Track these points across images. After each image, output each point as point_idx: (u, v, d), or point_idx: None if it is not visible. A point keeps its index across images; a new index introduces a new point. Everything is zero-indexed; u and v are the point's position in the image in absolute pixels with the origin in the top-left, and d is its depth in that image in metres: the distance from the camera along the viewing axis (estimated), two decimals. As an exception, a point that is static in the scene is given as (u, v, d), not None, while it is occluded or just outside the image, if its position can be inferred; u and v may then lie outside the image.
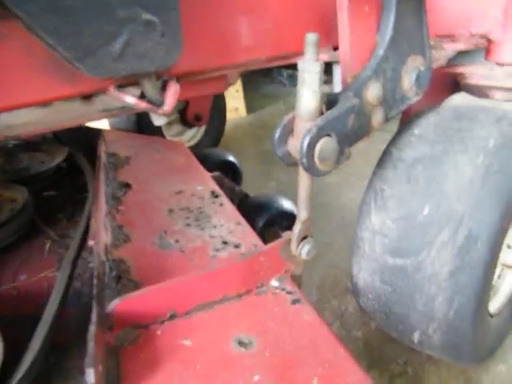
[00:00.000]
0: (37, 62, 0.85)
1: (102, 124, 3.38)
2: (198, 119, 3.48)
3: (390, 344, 1.86)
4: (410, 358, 1.81)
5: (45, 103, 1.00)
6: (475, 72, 1.83)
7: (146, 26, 0.84)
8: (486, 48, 1.82)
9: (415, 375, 1.73)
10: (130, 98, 0.94)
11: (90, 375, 0.84)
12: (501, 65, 1.80)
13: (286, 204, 2.13)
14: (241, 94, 5.53)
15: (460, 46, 1.71)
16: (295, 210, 2.13)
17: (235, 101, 5.45)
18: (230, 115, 5.04)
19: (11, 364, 1.00)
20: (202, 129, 3.82)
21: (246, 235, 1.51)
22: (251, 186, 3.15)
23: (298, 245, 1.24)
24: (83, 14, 0.77)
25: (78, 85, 0.91)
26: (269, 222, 2.05)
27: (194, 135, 3.79)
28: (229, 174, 2.78)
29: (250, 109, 5.67)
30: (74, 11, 0.76)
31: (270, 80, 7.29)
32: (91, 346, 0.90)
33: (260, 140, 4.63)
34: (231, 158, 2.79)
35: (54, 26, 0.75)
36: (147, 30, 0.85)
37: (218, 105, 3.83)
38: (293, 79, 7.09)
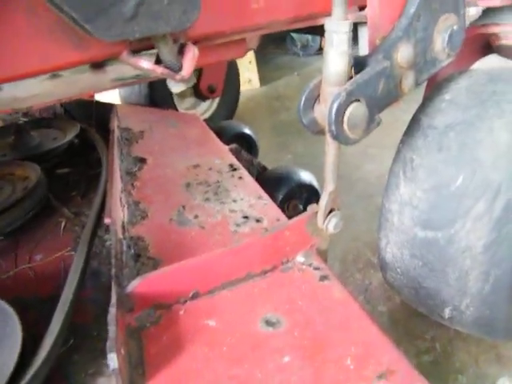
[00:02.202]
0: (42, 27, 0.78)
1: (113, 98, 3.32)
2: (211, 91, 3.40)
3: (416, 319, 1.81)
4: (437, 333, 1.75)
5: (52, 72, 0.93)
6: (510, 31, 1.72)
7: (161, -17, 0.77)
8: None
9: (443, 351, 1.68)
10: (146, 63, 0.87)
11: (113, 360, 0.79)
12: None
13: (306, 176, 2.07)
14: (254, 65, 5.43)
15: (496, 2, 1.59)
16: (315, 183, 2.10)
17: (249, 72, 5.36)
18: (244, 87, 4.96)
19: (31, 348, 0.96)
20: (216, 101, 3.73)
21: (267, 209, 1.45)
22: (268, 159, 3.09)
23: (324, 218, 1.17)
24: (92, -30, 0.70)
25: (87, 50, 0.84)
26: (288, 195, 2.00)
27: (207, 108, 3.71)
28: (245, 147, 2.72)
29: (263, 80, 5.57)
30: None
31: (283, 51, 7.15)
32: (112, 329, 0.85)
33: (275, 112, 4.54)
34: (247, 131, 2.73)
35: (59, -17, 0.68)
36: (162, -14, 0.77)
37: (232, 76, 3.74)
38: (307, 49, 6.95)
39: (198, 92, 3.38)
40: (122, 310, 0.99)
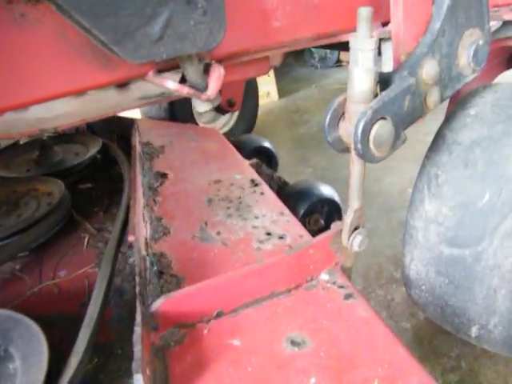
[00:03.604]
0: (70, 48, 0.79)
1: (134, 113, 3.35)
2: (230, 105, 3.40)
3: (440, 336, 1.78)
4: (462, 351, 1.72)
5: (78, 93, 0.93)
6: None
7: (187, 4, 0.77)
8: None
9: (470, 370, 1.64)
10: (172, 84, 0.87)
11: (139, 381, 0.79)
12: None
13: (327, 190, 2.06)
14: (272, 78, 5.44)
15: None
16: (336, 197, 2.08)
17: (267, 85, 5.37)
18: (263, 100, 4.97)
19: (56, 367, 0.96)
20: (235, 115, 3.74)
21: (290, 225, 1.44)
22: (288, 173, 3.09)
23: (349, 236, 1.16)
24: (120, -7, 0.70)
25: (115, 71, 0.85)
26: (310, 209, 1.99)
27: (226, 121, 3.72)
28: (264, 161, 2.72)
29: (282, 93, 5.58)
30: (110, -10, 0.69)
31: (301, 63, 7.16)
32: (138, 349, 0.85)
33: (294, 125, 4.54)
34: (267, 144, 2.73)
35: (88, 6, 0.68)
36: (188, 8, 0.77)
37: (251, 90, 3.75)
38: (325, 62, 6.95)
39: (218, 106, 3.39)
40: (147, 329, 0.98)
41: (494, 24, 1.70)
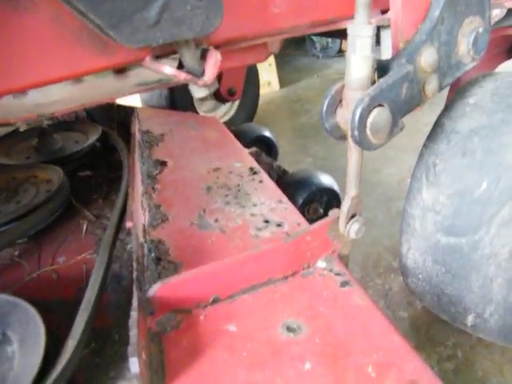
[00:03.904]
0: (67, 33, 0.79)
1: (134, 101, 3.34)
2: (231, 94, 3.39)
3: (437, 325, 1.78)
4: (459, 340, 1.72)
5: (76, 78, 0.93)
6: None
7: (185, -11, 0.77)
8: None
9: (466, 359, 1.65)
10: (169, 69, 0.87)
11: (135, 364, 0.79)
12: None
13: (326, 180, 2.07)
14: (274, 67, 5.42)
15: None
16: (335, 186, 2.08)
17: (268, 74, 5.35)
18: (263, 90, 4.96)
19: (53, 350, 0.97)
20: (236, 104, 3.74)
21: (288, 213, 1.45)
22: (288, 162, 3.09)
23: (346, 223, 1.16)
24: (116, -24, 0.70)
25: (111, 56, 0.84)
26: (309, 198, 1.99)
27: (227, 110, 3.72)
28: (264, 150, 2.72)
29: (283, 83, 5.56)
30: (107, -26, 0.69)
31: (302, 53, 7.13)
32: (134, 333, 0.86)
33: (295, 114, 4.53)
34: (267, 134, 2.73)
35: (84, -11, 0.68)
36: (185, -8, 0.77)
37: (252, 79, 3.74)
38: (326, 51, 6.92)
39: (218, 95, 3.37)
40: (144, 313, 0.99)
41: (498, 13, 1.69)
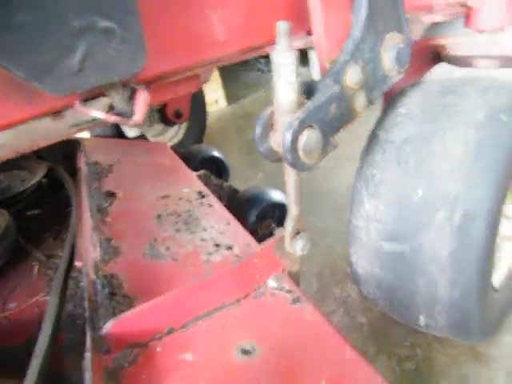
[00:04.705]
0: (-8, 85, 0.79)
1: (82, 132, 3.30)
2: (178, 116, 3.41)
3: (395, 327, 1.83)
4: (416, 339, 1.78)
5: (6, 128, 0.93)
6: (456, 42, 1.78)
7: (105, 35, 0.78)
8: (465, 16, 1.75)
9: (424, 357, 1.70)
10: (98, 113, 0.89)
11: (90, 408, 0.80)
12: (482, 31, 1.73)
13: (277, 195, 2.10)
14: (219, 84, 5.45)
15: (438, 17, 1.65)
16: (286, 200, 2.12)
17: (214, 92, 5.38)
18: (211, 107, 5.00)
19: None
20: (184, 125, 3.75)
21: (237, 235, 1.47)
22: (239, 179, 3.12)
23: (291, 241, 1.19)
24: (34, 29, 0.71)
25: (40, 104, 0.85)
26: (261, 215, 2.02)
27: (175, 133, 3.71)
28: (215, 170, 2.75)
29: (230, 99, 5.60)
30: (25, 27, 0.70)
31: (248, 68, 7.18)
32: (88, 376, 0.86)
33: (243, 130, 4.57)
34: (216, 154, 2.75)
35: (3, 44, 0.69)
36: (106, 38, 0.79)
37: (198, 99, 3.76)
38: (271, 65, 6.99)
39: (165, 118, 3.38)
40: (99, 352, 0.99)
41: (426, 25, 1.77)
